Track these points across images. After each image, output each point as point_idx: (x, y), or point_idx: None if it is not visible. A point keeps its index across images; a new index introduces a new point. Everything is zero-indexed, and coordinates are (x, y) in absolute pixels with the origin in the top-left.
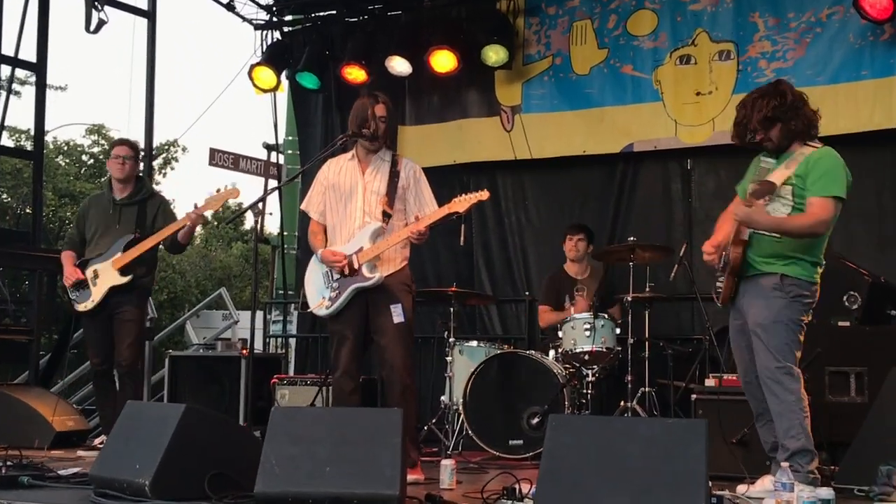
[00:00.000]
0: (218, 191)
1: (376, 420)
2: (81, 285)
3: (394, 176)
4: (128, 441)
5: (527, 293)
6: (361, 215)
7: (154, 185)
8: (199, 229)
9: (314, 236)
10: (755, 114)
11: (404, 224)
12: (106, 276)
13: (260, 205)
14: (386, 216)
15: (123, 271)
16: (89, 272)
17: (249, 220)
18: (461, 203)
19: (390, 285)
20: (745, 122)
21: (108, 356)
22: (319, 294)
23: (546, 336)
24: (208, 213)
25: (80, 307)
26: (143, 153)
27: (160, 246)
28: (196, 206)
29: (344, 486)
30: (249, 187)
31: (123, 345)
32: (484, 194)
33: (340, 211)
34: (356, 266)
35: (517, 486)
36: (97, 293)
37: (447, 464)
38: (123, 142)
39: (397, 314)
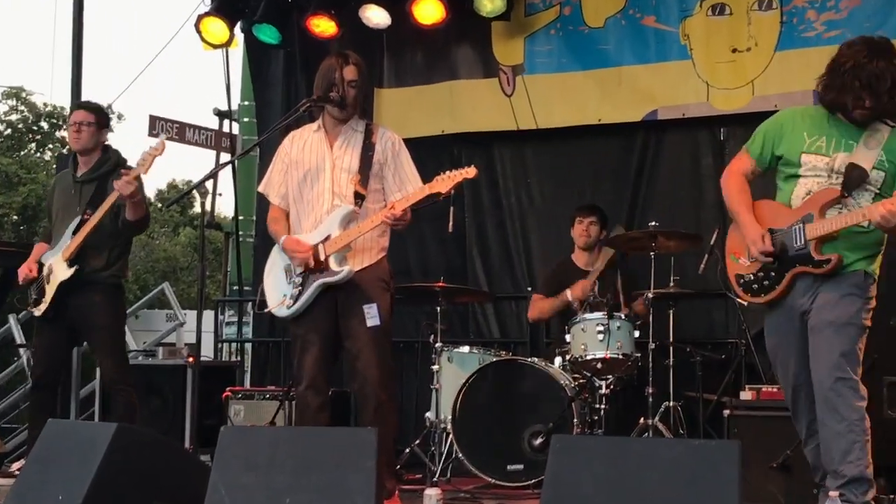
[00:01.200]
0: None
1: (346, 441)
2: (39, 284)
3: (367, 149)
4: (49, 467)
5: (529, 288)
6: (330, 197)
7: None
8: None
9: (275, 223)
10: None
11: (382, 207)
12: (57, 270)
13: (208, 183)
14: (358, 198)
15: (70, 262)
16: (45, 268)
17: (199, 203)
18: (443, 182)
19: (364, 282)
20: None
21: (53, 370)
22: (280, 291)
23: (550, 339)
24: (143, 176)
25: (36, 311)
26: (110, 119)
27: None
28: (122, 173)
29: None
30: (198, 162)
31: (101, 359)
32: (470, 171)
33: (306, 193)
34: (322, 257)
35: None
36: (49, 292)
37: (432, 494)
38: (80, 105)
39: (371, 316)
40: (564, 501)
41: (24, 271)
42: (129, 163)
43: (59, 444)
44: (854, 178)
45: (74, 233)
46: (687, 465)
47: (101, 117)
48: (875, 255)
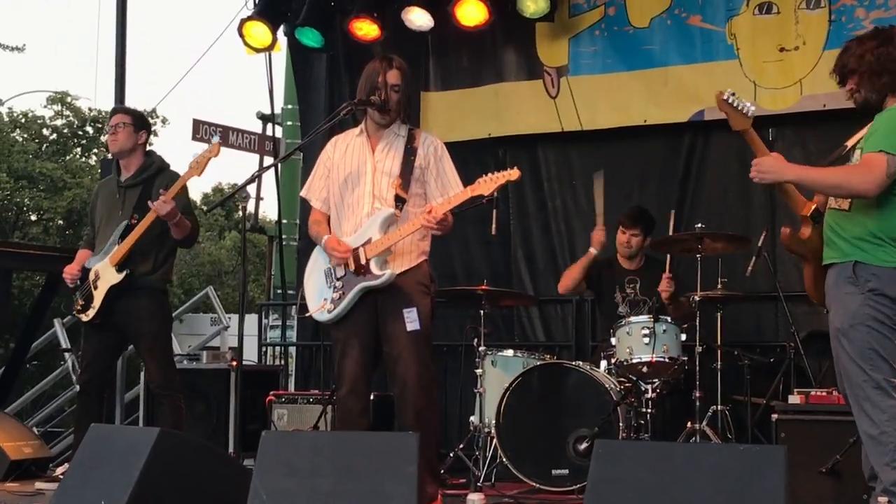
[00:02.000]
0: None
1: (388, 446)
2: (85, 291)
3: (409, 154)
4: (92, 472)
5: None
6: (371, 200)
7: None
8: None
9: (317, 225)
10: (851, 58)
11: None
12: (105, 275)
13: (252, 187)
14: (399, 201)
15: (120, 267)
16: (92, 274)
17: (249, 206)
18: (487, 184)
19: (404, 285)
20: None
21: (100, 375)
22: (321, 295)
23: (596, 342)
24: (197, 179)
25: (84, 317)
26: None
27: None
28: (161, 193)
29: None
30: (242, 166)
31: (148, 364)
32: (514, 173)
33: (347, 196)
34: (363, 261)
35: None
36: (97, 298)
37: (474, 499)
38: (117, 109)
39: (411, 320)
40: None
41: (72, 271)
42: (171, 167)
43: (101, 448)
44: (832, 156)
45: (122, 238)
46: (732, 470)
47: (137, 119)
48: (880, 242)
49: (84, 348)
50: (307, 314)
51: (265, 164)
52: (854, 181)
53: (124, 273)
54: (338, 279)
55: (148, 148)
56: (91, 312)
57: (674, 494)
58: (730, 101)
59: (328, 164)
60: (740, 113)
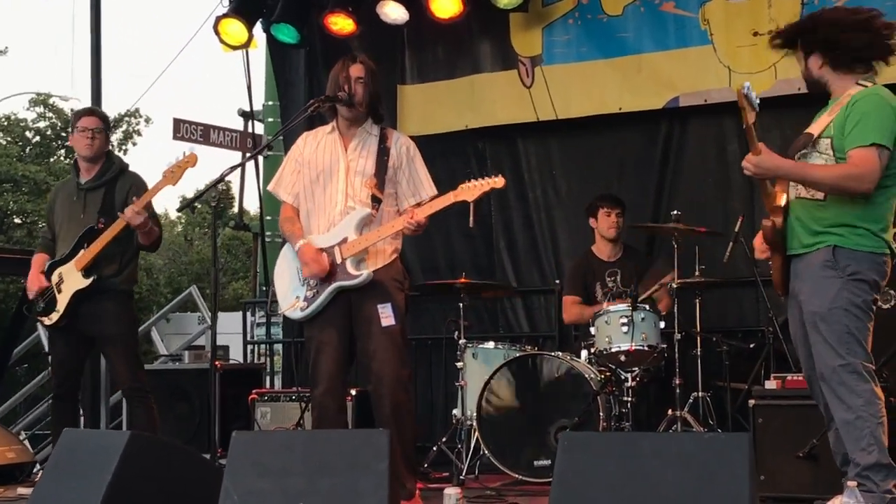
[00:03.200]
0: (172, 163)
1: (359, 443)
2: (47, 294)
3: (383, 154)
4: (65, 476)
5: (557, 281)
6: (343, 199)
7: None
8: (178, 215)
9: (289, 223)
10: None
11: (395, 211)
12: (70, 279)
13: (234, 188)
14: (375, 202)
15: (87, 272)
16: (55, 277)
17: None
18: (470, 190)
19: (379, 282)
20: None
21: (71, 379)
22: (293, 292)
23: (579, 332)
24: (168, 187)
25: (47, 321)
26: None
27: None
28: (133, 201)
29: None
30: (225, 163)
31: (117, 366)
32: (499, 181)
33: (318, 193)
34: (339, 260)
35: None
36: (62, 302)
37: (451, 493)
38: (91, 111)
39: (386, 315)
40: (573, 500)
41: (36, 283)
42: (134, 168)
43: (74, 453)
44: (796, 145)
45: (86, 241)
46: (698, 459)
47: (107, 124)
48: (855, 228)
49: (51, 353)
50: (279, 311)
51: (243, 159)
52: (851, 183)
53: (91, 279)
54: (311, 278)
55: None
56: (54, 316)
57: (641, 484)
58: (748, 95)
59: (299, 159)
60: (752, 107)
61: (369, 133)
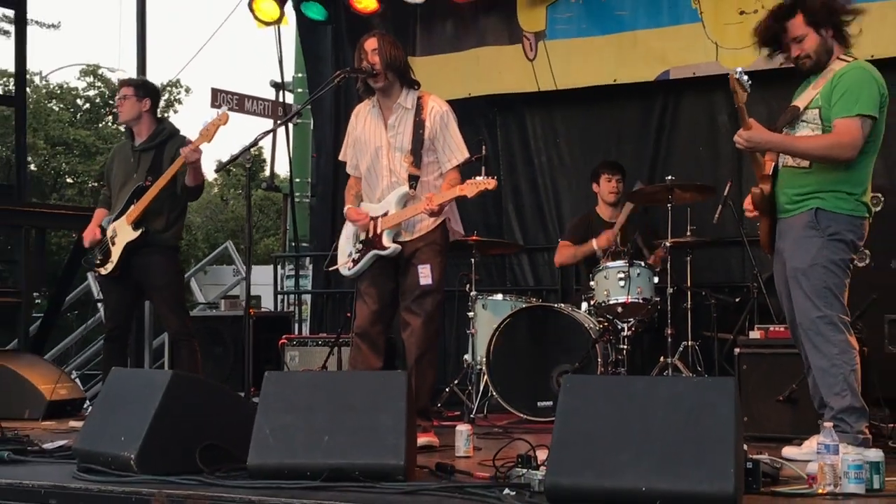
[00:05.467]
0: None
1: (379, 384)
2: (103, 247)
3: (418, 127)
4: (113, 412)
5: (559, 240)
6: (388, 174)
7: None
8: (215, 177)
9: (349, 191)
10: (785, 24)
11: (439, 174)
12: (122, 233)
13: (266, 152)
14: (412, 180)
15: (136, 225)
16: (109, 231)
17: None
18: (470, 187)
19: (422, 246)
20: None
21: (123, 324)
22: (347, 252)
23: (580, 286)
24: (204, 145)
25: (102, 271)
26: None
27: (184, 193)
28: (187, 142)
29: (344, 457)
30: (258, 130)
31: (165, 313)
32: (491, 182)
33: (368, 167)
34: (378, 231)
35: (533, 454)
36: (115, 253)
37: (462, 430)
38: (123, 81)
39: (425, 275)
40: (576, 435)
41: (90, 235)
42: (181, 132)
43: (122, 390)
44: (784, 117)
45: (136, 197)
46: (687, 400)
47: (139, 88)
48: (835, 192)
49: (105, 300)
50: (333, 267)
51: (274, 125)
52: (836, 151)
53: (140, 231)
54: (360, 241)
55: (162, 115)
56: (109, 266)
57: (634, 423)
58: (740, 79)
59: (353, 134)
60: (743, 88)
61: (405, 108)
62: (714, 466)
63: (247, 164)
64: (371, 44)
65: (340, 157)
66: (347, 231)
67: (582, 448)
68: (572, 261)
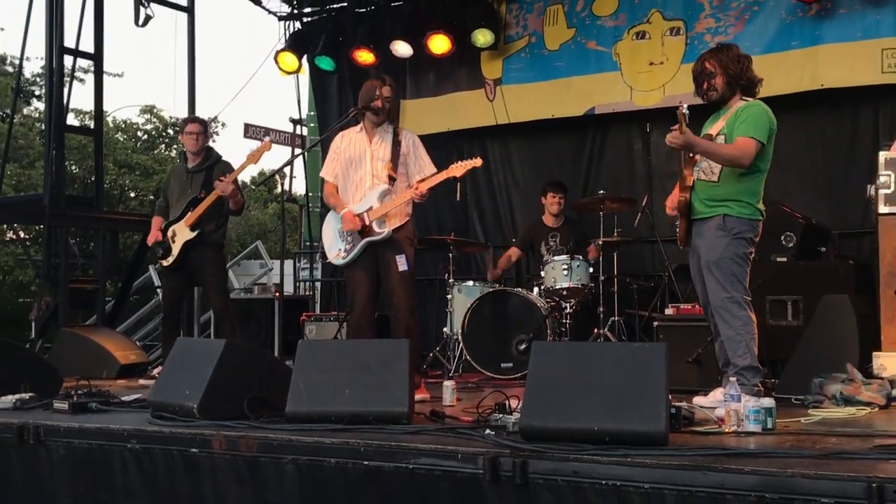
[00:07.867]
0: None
1: (386, 350)
2: (164, 244)
3: (396, 144)
4: (179, 371)
5: (514, 240)
6: (371, 178)
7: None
8: (252, 187)
9: (332, 197)
10: (705, 65)
11: (407, 185)
12: (181, 233)
13: (286, 169)
14: (391, 179)
15: (192, 227)
16: (170, 232)
17: (280, 184)
18: (458, 168)
19: (396, 238)
20: (697, 74)
21: (176, 306)
22: (335, 246)
23: (530, 275)
24: (252, 166)
25: (165, 263)
26: (214, 126)
27: (228, 213)
28: (221, 179)
29: (361, 405)
30: (278, 156)
31: (212, 296)
32: (478, 161)
33: (352, 175)
34: (367, 223)
35: (507, 402)
36: (175, 249)
37: (448, 384)
38: (195, 119)
39: (401, 263)
40: (543, 387)
41: (154, 236)
42: (223, 157)
43: (185, 355)
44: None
45: (192, 206)
46: (629, 361)
47: (206, 127)
48: (738, 202)
49: (163, 287)
50: (327, 260)
51: (295, 154)
52: (737, 155)
53: (196, 232)
54: (349, 235)
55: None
56: (170, 259)
57: (588, 380)
58: (685, 112)
59: (337, 150)
60: (685, 119)
61: (386, 131)
62: (649, 411)
63: (282, 181)
64: (388, 91)
65: (322, 174)
66: (331, 228)
67: (548, 397)
68: (506, 265)
